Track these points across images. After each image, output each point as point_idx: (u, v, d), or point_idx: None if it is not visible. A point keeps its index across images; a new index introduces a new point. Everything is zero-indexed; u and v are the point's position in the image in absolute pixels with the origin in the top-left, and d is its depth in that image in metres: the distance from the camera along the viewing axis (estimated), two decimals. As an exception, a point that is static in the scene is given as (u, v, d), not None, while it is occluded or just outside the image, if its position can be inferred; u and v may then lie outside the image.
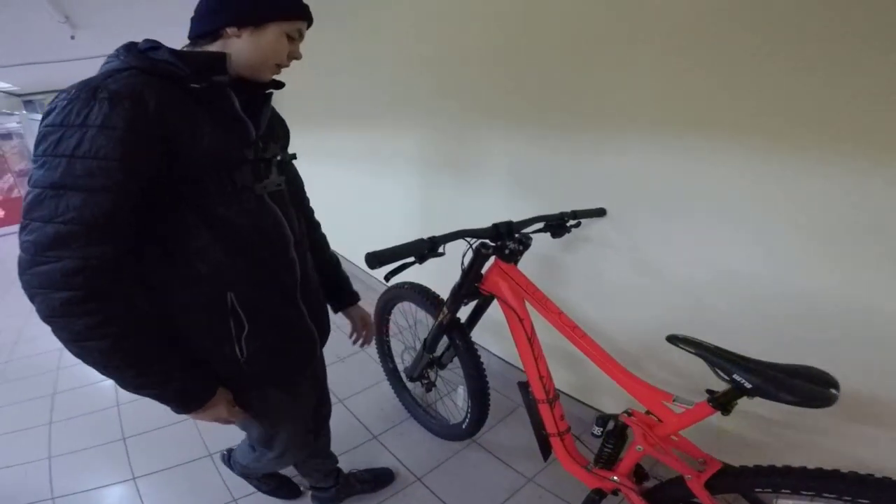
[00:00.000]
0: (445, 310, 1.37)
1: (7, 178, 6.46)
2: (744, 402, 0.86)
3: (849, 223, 1.00)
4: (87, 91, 0.65)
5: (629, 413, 1.06)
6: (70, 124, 0.64)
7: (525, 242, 1.21)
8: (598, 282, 1.57)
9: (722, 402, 0.88)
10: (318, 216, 1.21)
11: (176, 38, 0.84)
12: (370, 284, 2.94)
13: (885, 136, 0.91)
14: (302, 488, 1.51)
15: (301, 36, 0.85)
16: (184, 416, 0.85)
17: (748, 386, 0.81)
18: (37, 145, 0.66)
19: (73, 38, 3.20)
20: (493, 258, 1.23)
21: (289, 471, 1.47)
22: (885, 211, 0.95)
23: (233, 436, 1.38)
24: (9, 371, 2.41)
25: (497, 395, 1.63)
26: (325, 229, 1.23)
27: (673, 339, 0.93)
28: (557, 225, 1.33)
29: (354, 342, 1.27)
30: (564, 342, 1.14)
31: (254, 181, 0.83)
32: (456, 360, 1.51)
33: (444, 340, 1.48)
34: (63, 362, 2.34)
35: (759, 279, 1.17)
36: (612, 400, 1.63)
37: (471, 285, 1.29)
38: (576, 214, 1.36)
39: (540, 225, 1.30)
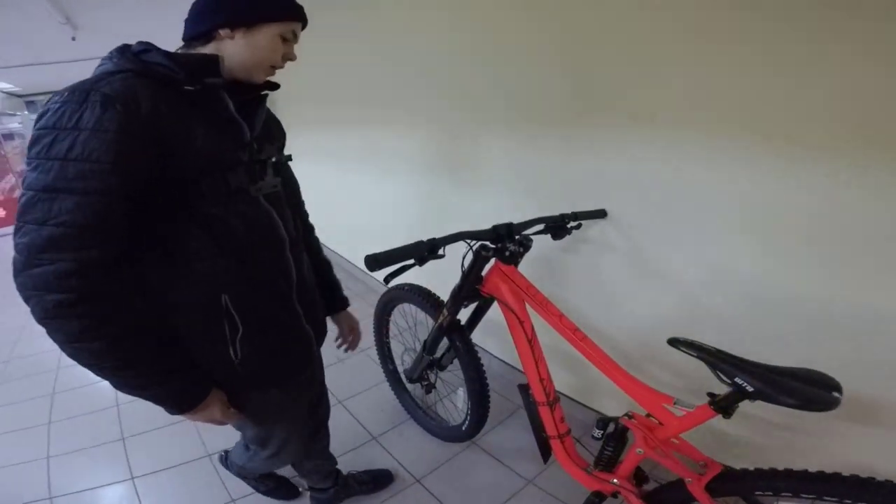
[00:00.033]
0: (445, 311, 1.37)
1: (9, 179, 6.49)
2: (745, 405, 0.85)
3: (852, 225, 1.00)
4: (80, 94, 0.65)
5: (630, 416, 1.06)
6: (63, 127, 0.64)
7: (525, 244, 1.20)
8: (598, 284, 1.57)
9: (723, 406, 0.87)
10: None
11: (178, 39, 0.84)
12: (371, 285, 2.94)
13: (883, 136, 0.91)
14: (300, 489, 1.50)
15: (295, 37, 0.85)
16: (181, 417, 0.85)
17: (750, 389, 0.81)
18: (30, 148, 0.66)
19: (74, 39, 3.21)
20: (493, 260, 1.23)
21: (287, 471, 1.46)
22: (890, 213, 0.94)
23: (232, 436, 1.37)
24: (9, 370, 2.42)
25: (497, 396, 1.63)
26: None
27: (674, 343, 0.92)
28: (558, 226, 1.32)
29: (339, 346, 1.28)
30: (565, 344, 1.14)
31: (249, 183, 0.83)
32: (456, 361, 1.51)
33: (445, 342, 1.48)
34: (63, 362, 2.34)
35: (761, 281, 1.17)
36: (613, 402, 1.62)
37: (471, 287, 1.28)
38: (576, 216, 1.35)
39: (540, 226, 1.30)
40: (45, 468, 1.66)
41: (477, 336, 1.48)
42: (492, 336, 1.99)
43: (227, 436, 1.47)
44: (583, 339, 1.12)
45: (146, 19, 3.06)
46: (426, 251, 1.04)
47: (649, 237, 1.38)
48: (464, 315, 1.41)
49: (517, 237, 1.20)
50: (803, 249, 1.08)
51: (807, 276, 1.09)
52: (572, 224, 1.35)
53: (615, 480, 1.08)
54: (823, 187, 1.01)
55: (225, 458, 1.53)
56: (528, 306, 1.21)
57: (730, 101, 1.11)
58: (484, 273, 1.28)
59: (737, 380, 0.82)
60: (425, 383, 1.66)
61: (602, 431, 1.09)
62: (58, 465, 1.68)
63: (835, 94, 0.96)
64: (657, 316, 1.43)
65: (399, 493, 1.51)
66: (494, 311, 1.33)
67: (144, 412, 1.86)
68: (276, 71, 0.87)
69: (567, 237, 1.36)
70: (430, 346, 1.49)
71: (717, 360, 0.85)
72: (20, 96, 6.75)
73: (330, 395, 1.29)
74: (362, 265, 0.99)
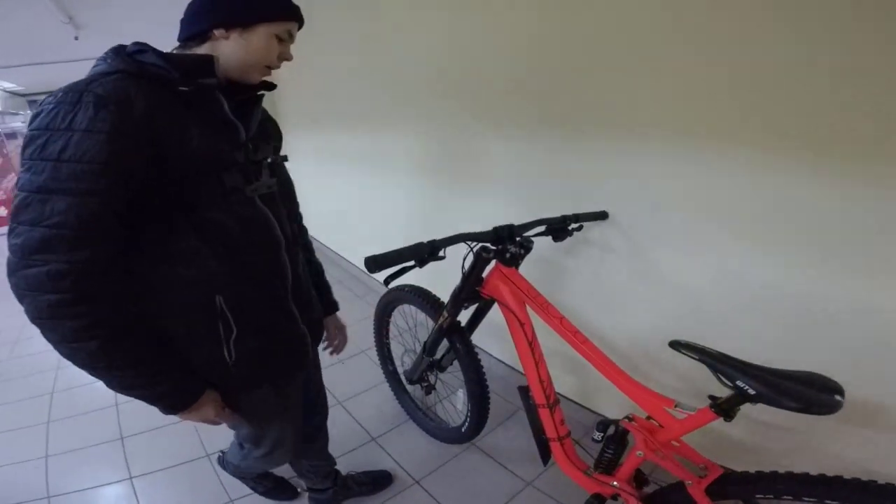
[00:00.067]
0: (446, 313, 1.37)
1: (11, 178, 6.49)
2: (746, 408, 0.85)
3: (854, 227, 1.00)
4: (73, 95, 0.65)
5: (630, 418, 1.05)
6: (56, 128, 0.64)
7: (526, 246, 1.20)
8: (599, 286, 1.56)
9: (724, 409, 0.87)
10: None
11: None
12: (371, 286, 2.94)
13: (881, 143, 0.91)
14: (299, 490, 1.50)
15: (291, 37, 0.85)
16: (176, 417, 0.85)
17: (751, 392, 0.80)
18: (24, 149, 0.66)
19: (76, 38, 3.22)
20: (493, 262, 1.23)
21: (286, 472, 1.46)
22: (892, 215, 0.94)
23: (231, 437, 1.37)
24: (8, 370, 2.42)
25: (497, 398, 1.62)
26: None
27: (676, 345, 0.92)
28: (559, 228, 1.32)
29: (325, 349, 1.27)
30: (565, 346, 1.14)
31: (244, 183, 0.83)
32: (456, 363, 1.50)
33: (445, 343, 1.48)
34: (62, 362, 2.31)
35: (762, 283, 1.16)
36: (614, 405, 1.62)
37: (471, 289, 1.28)
38: (577, 217, 1.35)
39: (541, 228, 1.30)
40: (44, 467, 1.66)
41: (477, 338, 1.48)
42: (492, 338, 1.98)
43: (227, 436, 1.47)
44: (583, 341, 1.12)
45: (149, 19, 3.06)
46: (426, 253, 1.04)
47: (651, 239, 1.38)
48: (464, 317, 1.41)
49: (518, 239, 1.20)
50: (806, 253, 1.08)
51: (809, 280, 1.09)
52: (573, 226, 1.35)
53: (615, 483, 1.08)
54: (827, 190, 1.01)
55: (222, 459, 1.53)
56: (528, 308, 1.20)
57: (730, 104, 1.11)
58: (484, 275, 1.28)
59: (738, 383, 0.82)
60: (425, 384, 1.65)
61: (602, 434, 1.09)
62: (56, 465, 1.68)
63: (835, 97, 0.96)
64: (658, 318, 1.42)
65: (398, 495, 1.51)
66: (495, 312, 1.33)
67: (143, 412, 1.84)
68: (273, 71, 0.87)
69: (568, 239, 1.36)
70: (430, 347, 1.49)
71: (718, 362, 0.85)
72: (23, 95, 6.78)
73: (329, 396, 1.29)
74: (362, 266, 0.99)
